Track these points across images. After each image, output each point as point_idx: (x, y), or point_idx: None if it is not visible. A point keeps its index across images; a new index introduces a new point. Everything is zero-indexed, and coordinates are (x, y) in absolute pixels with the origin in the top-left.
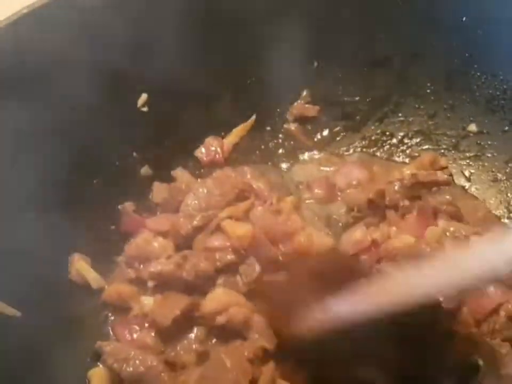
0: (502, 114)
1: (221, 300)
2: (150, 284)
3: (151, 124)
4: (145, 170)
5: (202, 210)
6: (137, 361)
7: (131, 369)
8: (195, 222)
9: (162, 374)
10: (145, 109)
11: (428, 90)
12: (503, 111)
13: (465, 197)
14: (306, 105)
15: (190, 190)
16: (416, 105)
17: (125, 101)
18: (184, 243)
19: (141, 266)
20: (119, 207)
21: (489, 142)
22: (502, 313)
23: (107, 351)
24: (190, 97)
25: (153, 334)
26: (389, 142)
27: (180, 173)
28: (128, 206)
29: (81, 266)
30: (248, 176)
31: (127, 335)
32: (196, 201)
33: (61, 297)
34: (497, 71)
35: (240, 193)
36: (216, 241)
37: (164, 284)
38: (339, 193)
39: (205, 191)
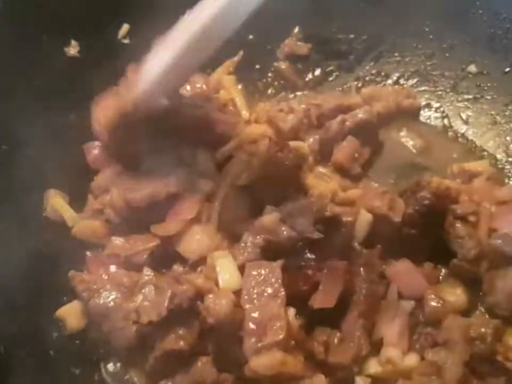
0: (503, 55)
1: (202, 243)
2: (108, 211)
3: (133, 57)
4: None
5: None
6: (110, 297)
7: (100, 301)
8: None
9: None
10: (126, 41)
11: (427, 29)
12: (505, 51)
13: None
14: (298, 43)
15: None
16: (414, 45)
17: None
18: None
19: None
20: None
21: (488, 84)
22: None
23: (80, 279)
24: None
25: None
26: (383, 83)
27: None
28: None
29: (56, 203)
30: None
31: (103, 274)
32: None
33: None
34: (499, 8)
35: None
36: None
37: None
38: None
39: None
